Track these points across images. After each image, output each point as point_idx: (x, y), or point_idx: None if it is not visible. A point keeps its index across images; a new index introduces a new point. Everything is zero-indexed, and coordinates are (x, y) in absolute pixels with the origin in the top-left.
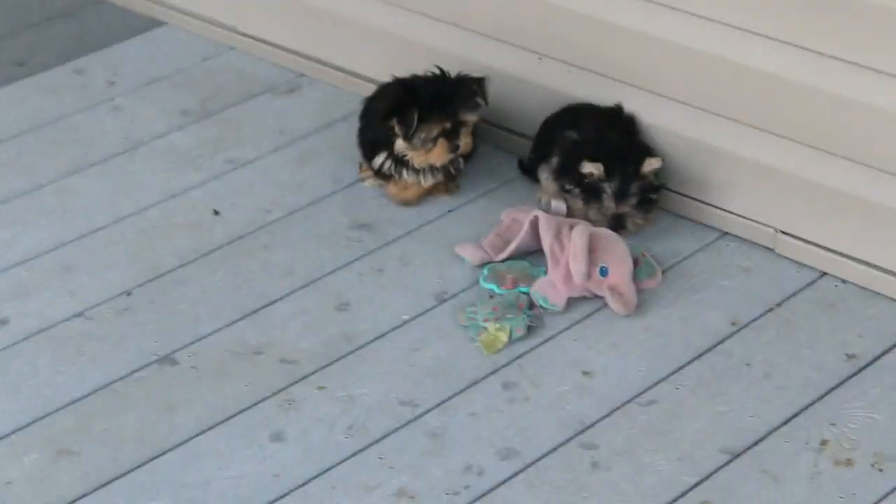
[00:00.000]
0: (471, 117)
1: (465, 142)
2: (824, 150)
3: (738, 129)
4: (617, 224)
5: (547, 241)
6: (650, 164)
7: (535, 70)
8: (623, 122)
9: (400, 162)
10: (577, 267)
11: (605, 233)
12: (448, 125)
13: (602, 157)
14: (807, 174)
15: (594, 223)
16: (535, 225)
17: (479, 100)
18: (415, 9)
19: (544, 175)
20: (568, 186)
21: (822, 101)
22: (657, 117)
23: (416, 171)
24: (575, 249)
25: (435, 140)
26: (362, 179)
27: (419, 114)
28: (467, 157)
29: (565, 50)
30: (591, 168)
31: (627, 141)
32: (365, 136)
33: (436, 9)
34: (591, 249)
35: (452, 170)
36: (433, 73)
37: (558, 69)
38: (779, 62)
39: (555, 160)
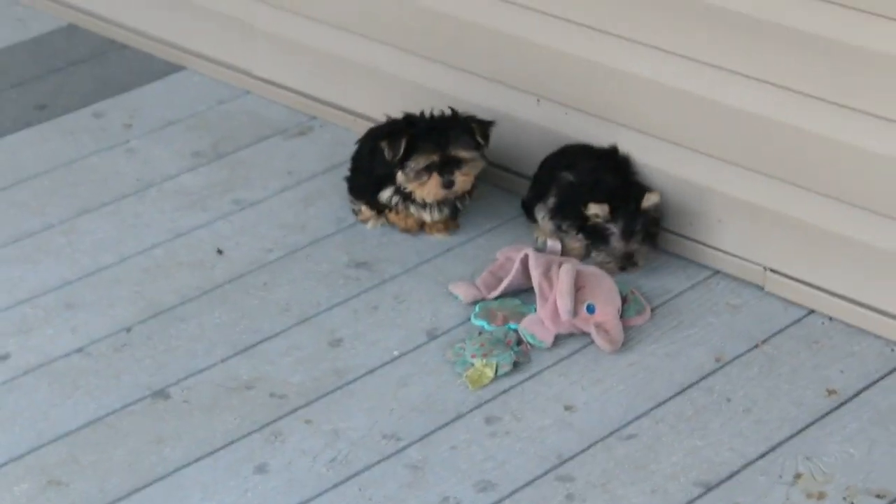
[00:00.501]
0: (464, 154)
1: (461, 180)
2: (812, 189)
3: (728, 169)
4: (627, 263)
5: (536, 279)
6: (650, 199)
7: (534, 112)
8: (618, 162)
9: (406, 197)
10: (564, 304)
11: (593, 270)
12: (436, 158)
13: (602, 199)
14: (795, 213)
15: (601, 265)
16: (525, 263)
17: (478, 139)
18: (421, 53)
19: (541, 215)
20: (566, 227)
21: (810, 141)
22: (650, 157)
23: (422, 207)
24: (561, 287)
25: (428, 173)
26: (364, 221)
27: (412, 143)
28: (469, 195)
29: (563, 92)
30: (596, 209)
31: (623, 180)
32: (359, 175)
33: (441, 53)
34: (579, 287)
35: (459, 205)
36: (443, 112)
37: (556, 111)
38: (767, 103)
39: (552, 200)
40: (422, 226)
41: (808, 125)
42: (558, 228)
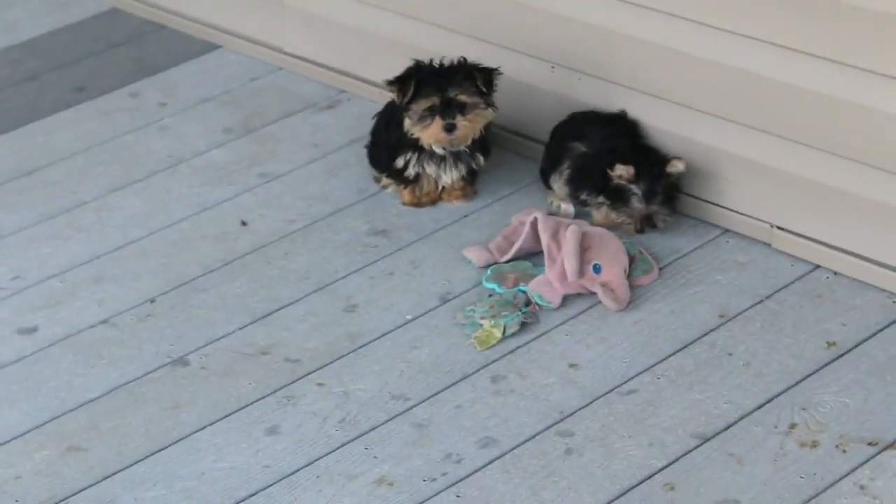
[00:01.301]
0: (464, 97)
1: (463, 125)
2: (816, 147)
3: (734, 129)
4: (647, 224)
5: (545, 241)
6: (676, 166)
7: (549, 78)
8: (627, 127)
9: (420, 154)
10: (570, 264)
11: (600, 231)
12: (437, 100)
13: (627, 160)
14: (800, 171)
15: (620, 226)
16: (535, 226)
17: (480, 85)
18: (444, 25)
19: (556, 184)
20: (584, 196)
21: (813, 99)
22: (659, 119)
23: (438, 164)
24: (567, 248)
25: (431, 116)
26: (385, 187)
27: (418, 87)
28: (485, 156)
29: (575, 58)
30: (622, 170)
31: (635, 144)
32: (377, 148)
33: (459, 23)
34: (586, 248)
35: (474, 164)
36: (452, 61)
37: (570, 76)
38: (771, 64)
39: (566, 172)
40: (439, 196)
41: (810, 84)
42: (576, 199)
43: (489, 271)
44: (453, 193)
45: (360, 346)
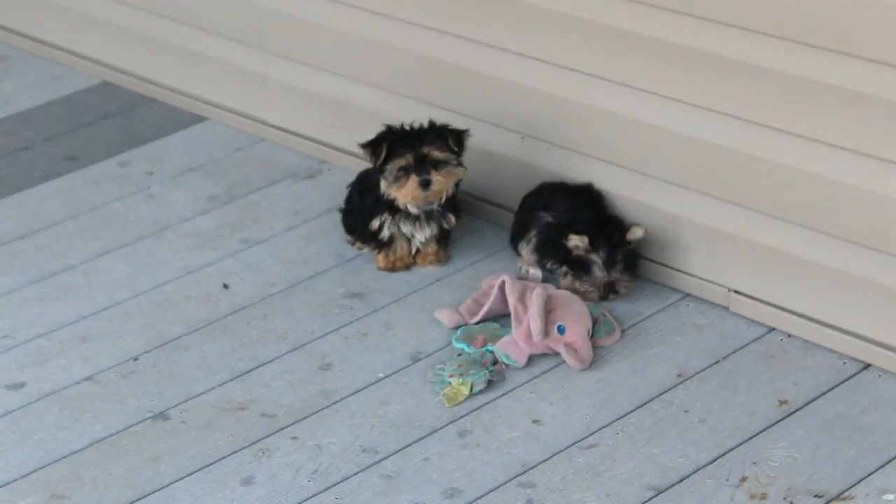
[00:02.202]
0: (437, 154)
1: (437, 181)
2: (772, 215)
3: (695, 198)
4: (609, 291)
5: (511, 303)
6: (635, 233)
7: (519, 148)
8: (593, 197)
9: (394, 215)
10: (535, 325)
11: (565, 294)
12: (411, 159)
13: (582, 231)
14: (756, 237)
15: (584, 295)
16: (503, 288)
17: (451, 144)
18: (415, 96)
19: (524, 251)
20: (550, 266)
21: (769, 170)
22: (623, 188)
23: (412, 223)
24: (532, 310)
25: (406, 175)
26: (361, 248)
27: (391, 149)
28: (456, 215)
29: (544, 130)
30: (576, 241)
31: (599, 214)
32: (352, 216)
33: (434, 96)
34: (550, 309)
35: (446, 224)
36: (422, 124)
37: (538, 146)
38: (730, 135)
39: (533, 239)
40: (413, 261)
41: (765, 154)
42: (542, 267)
43: (459, 332)
44: (427, 258)
45: (334, 402)
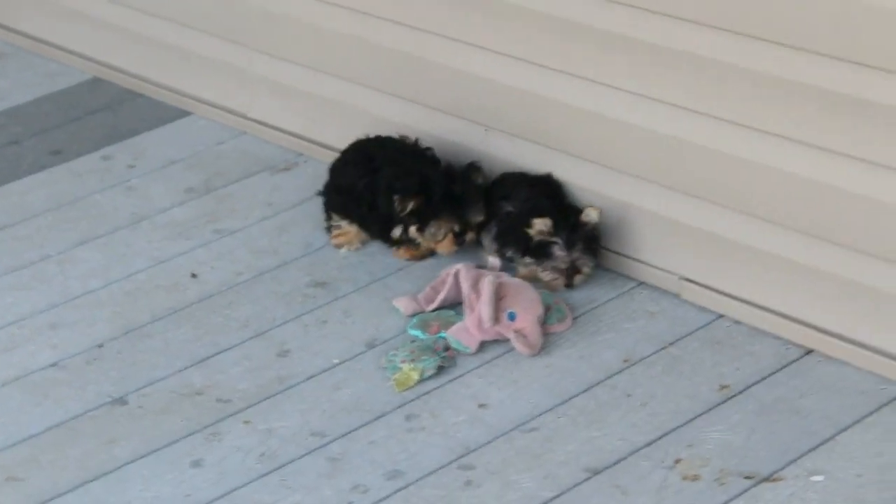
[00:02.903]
0: (479, 219)
1: (469, 236)
2: (722, 204)
3: (649, 188)
4: (573, 273)
5: (465, 291)
6: (589, 215)
7: (482, 139)
8: (552, 187)
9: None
10: (485, 312)
11: (517, 282)
12: (457, 227)
13: (544, 215)
14: (706, 226)
15: (549, 284)
16: (458, 277)
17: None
18: (386, 90)
19: (486, 240)
20: (511, 254)
21: (721, 160)
22: (581, 178)
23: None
24: (483, 297)
25: (444, 234)
26: (338, 246)
27: (428, 207)
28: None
29: (507, 122)
30: (540, 225)
31: (558, 202)
32: (348, 197)
33: (404, 90)
34: (502, 296)
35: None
36: (440, 167)
37: (501, 138)
38: (681, 126)
39: (493, 228)
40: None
41: (716, 145)
42: (503, 256)
43: (415, 319)
44: (445, 246)
45: (288, 388)
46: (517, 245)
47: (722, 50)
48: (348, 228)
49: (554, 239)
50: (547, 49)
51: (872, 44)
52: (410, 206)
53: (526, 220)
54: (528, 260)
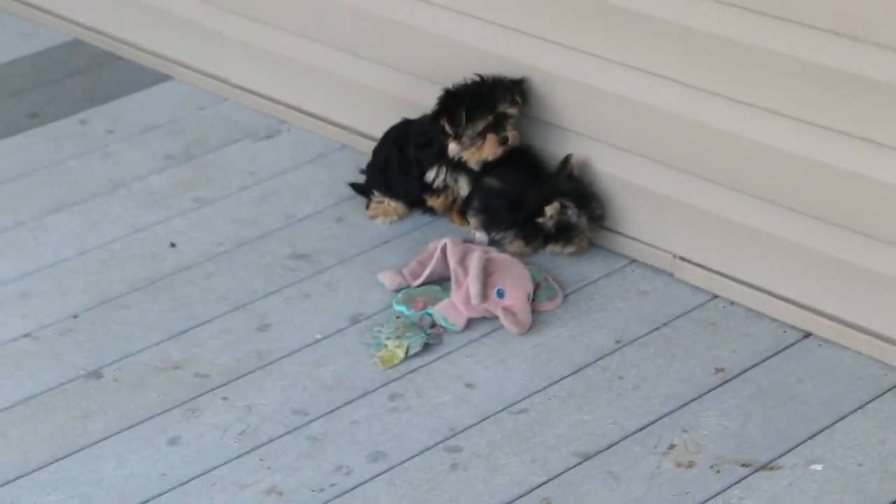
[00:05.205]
0: (511, 110)
1: (511, 134)
2: (718, 182)
3: (643, 163)
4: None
5: (452, 266)
6: (571, 162)
7: None
8: (531, 159)
9: (455, 168)
10: (473, 288)
11: (506, 258)
12: (490, 119)
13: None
14: (702, 204)
15: (580, 247)
16: (445, 251)
17: (516, 97)
18: (371, 57)
19: (470, 216)
20: (496, 235)
21: (717, 137)
22: (573, 153)
23: (467, 175)
24: (471, 272)
25: (483, 135)
26: (373, 217)
27: (466, 113)
28: None
29: None
30: (551, 211)
31: (537, 172)
32: (386, 173)
33: (391, 58)
34: (490, 273)
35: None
36: (472, 79)
37: None
38: (675, 101)
39: (476, 205)
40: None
41: (712, 121)
42: (488, 233)
43: (400, 294)
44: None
45: (269, 363)
46: (503, 223)
47: (718, 24)
48: (386, 201)
49: (567, 212)
50: (538, 19)
51: (871, 19)
52: (462, 117)
53: (510, 198)
54: (519, 243)
